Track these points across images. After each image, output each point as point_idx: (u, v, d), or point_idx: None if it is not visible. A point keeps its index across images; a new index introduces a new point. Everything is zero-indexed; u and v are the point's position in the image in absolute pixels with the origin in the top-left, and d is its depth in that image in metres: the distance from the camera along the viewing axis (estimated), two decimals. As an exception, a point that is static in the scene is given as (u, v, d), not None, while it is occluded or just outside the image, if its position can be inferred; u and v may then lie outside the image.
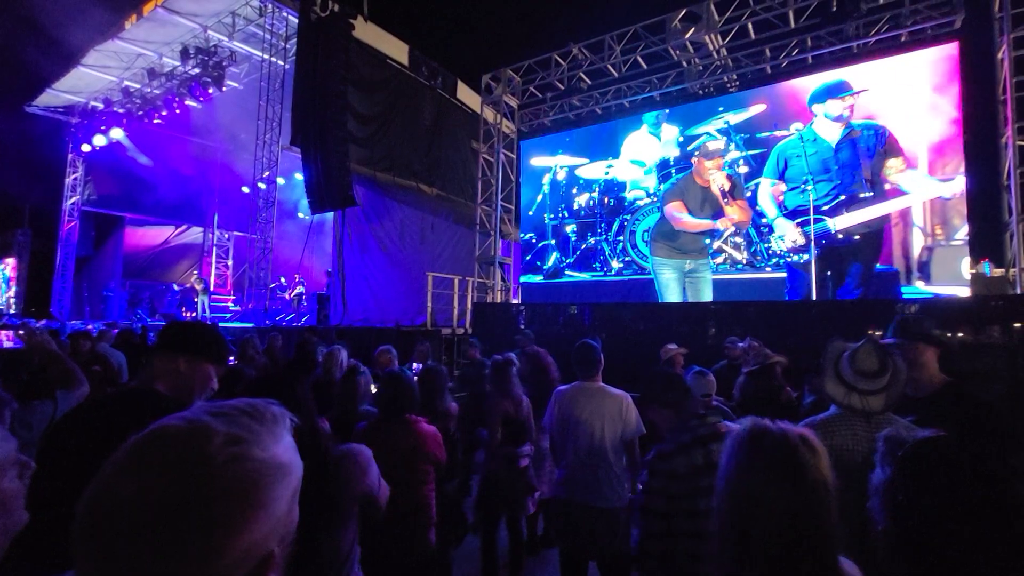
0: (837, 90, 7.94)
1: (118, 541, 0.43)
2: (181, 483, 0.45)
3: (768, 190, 8.39)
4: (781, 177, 8.29)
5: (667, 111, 10.12)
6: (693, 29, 8.27)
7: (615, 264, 10.55)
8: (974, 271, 7.00)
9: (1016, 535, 0.71)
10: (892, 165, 7.43)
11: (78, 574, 0.45)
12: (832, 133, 7.92)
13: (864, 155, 7.62)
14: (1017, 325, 4.64)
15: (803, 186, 7.98)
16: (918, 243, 7.40)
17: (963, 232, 7.08)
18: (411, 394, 2.26)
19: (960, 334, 4.92)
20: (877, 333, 2.00)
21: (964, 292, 6.75)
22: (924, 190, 7.31)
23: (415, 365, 4.49)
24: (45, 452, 1.25)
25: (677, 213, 8.40)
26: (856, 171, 7.63)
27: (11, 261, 15.38)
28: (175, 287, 15.03)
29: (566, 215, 11.42)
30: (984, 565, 0.71)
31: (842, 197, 7.73)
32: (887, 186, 7.50)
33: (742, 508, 0.91)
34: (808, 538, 0.87)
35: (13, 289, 15.26)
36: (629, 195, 10.53)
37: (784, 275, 8.28)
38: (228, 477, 0.47)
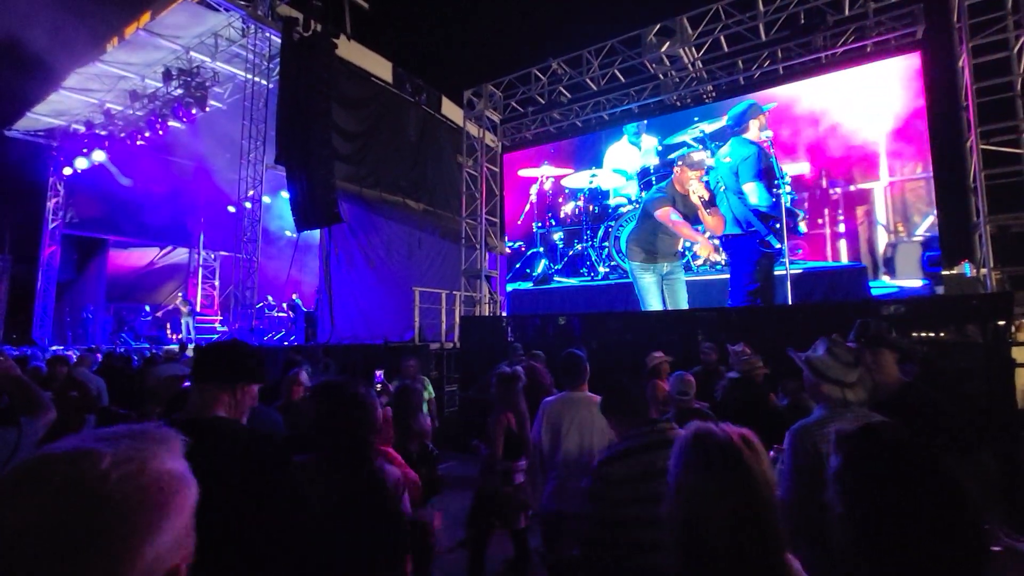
0: (759, 107, 8.60)
1: None
2: (73, 508, 0.45)
3: (764, 189, 8.55)
4: (762, 177, 8.55)
5: (646, 122, 10.41)
6: (668, 43, 8.49)
7: (602, 269, 10.76)
8: (949, 272, 7.19)
9: (946, 513, 0.75)
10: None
11: None
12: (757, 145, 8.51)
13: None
14: (991, 323, 4.76)
15: (775, 189, 8.32)
16: (882, 240, 7.74)
17: (923, 228, 7.48)
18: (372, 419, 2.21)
19: (940, 333, 5.04)
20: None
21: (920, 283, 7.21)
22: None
23: (377, 374, 4.45)
24: None
25: (674, 217, 8.67)
26: (782, 179, 8.19)
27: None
28: (146, 308, 14.86)
29: (553, 223, 11.61)
30: (927, 544, 0.74)
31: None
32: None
33: (690, 508, 0.94)
34: (754, 535, 0.89)
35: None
36: (612, 202, 10.79)
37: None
38: (123, 494, 0.47)
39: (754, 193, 8.36)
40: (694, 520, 0.92)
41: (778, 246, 8.21)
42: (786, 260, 7.63)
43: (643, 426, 1.74)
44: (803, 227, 8.42)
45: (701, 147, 9.42)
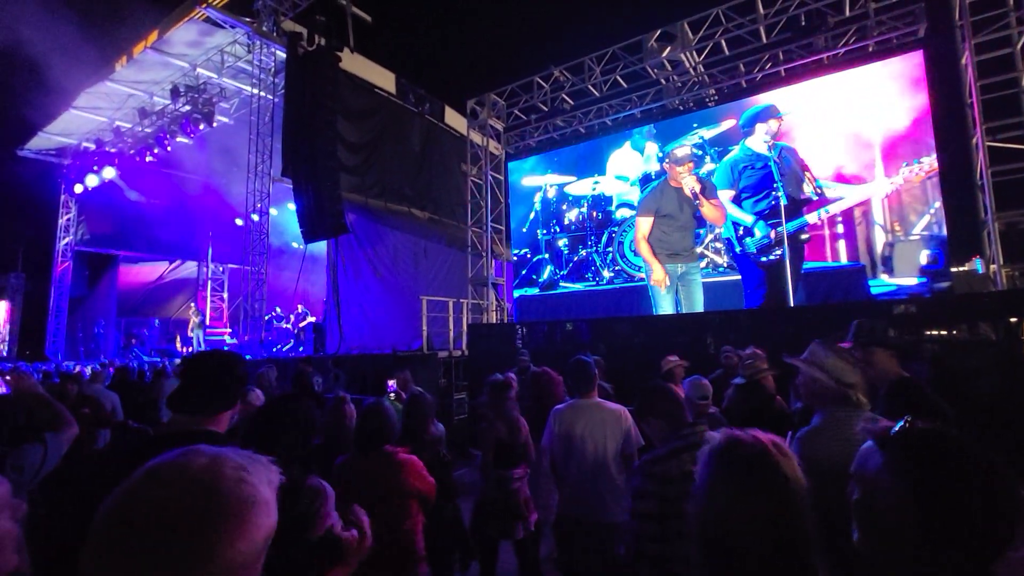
0: (771, 112, 8.74)
1: (134, 538, 0.52)
2: (200, 492, 0.56)
3: (728, 200, 8.95)
4: (734, 187, 8.93)
5: (651, 130, 10.49)
6: (669, 48, 8.54)
7: (606, 274, 10.84)
8: (959, 269, 7.14)
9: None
10: (807, 178, 8.32)
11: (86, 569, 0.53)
12: (765, 149, 8.66)
13: (797, 168, 8.39)
14: (1004, 321, 4.71)
15: (772, 192, 8.55)
16: (880, 239, 7.88)
17: (919, 227, 7.59)
18: (388, 425, 2.25)
19: (952, 331, 5.00)
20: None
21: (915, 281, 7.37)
22: (852, 194, 8.14)
23: (389, 383, 4.47)
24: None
25: (642, 232, 8.88)
26: (796, 180, 8.28)
27: (4, 305, 15.34)
28: (156, 322, 15.03)
29: (558, 230, 11.68)
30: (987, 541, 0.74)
31: (785, 203, 8.37)
32: (814, 195, 8.31)
33: (719, 519, 0.92)
34: (788, 545, 0.88)
35: (5, 330, 15.19)
36: (616, 208, 10.85)
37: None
38: (233, 493, 0.58)
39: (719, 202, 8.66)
40: (724, 532, 0.91)
41: (751, 251, 8.54)
42: (787, 262, 7.69)
43: (684, 428, 1.83)
44: (805, 235, 8.49)
45: (692, 148, 9.55)
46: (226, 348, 13.16)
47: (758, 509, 0.89)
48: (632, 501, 1.71)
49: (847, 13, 7.67)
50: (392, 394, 4.26)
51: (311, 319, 12.65)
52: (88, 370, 8.36)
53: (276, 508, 0.64)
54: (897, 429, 0.85)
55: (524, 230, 12.22)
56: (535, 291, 11.87)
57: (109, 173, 13.31)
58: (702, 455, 1.01)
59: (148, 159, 12.74)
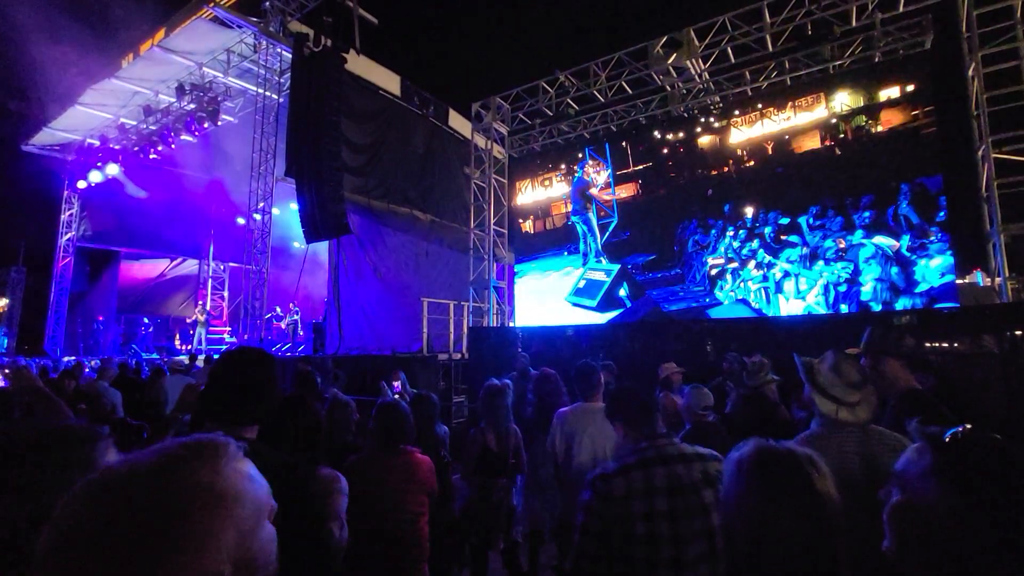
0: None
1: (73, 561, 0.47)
2: (117, 507, 0.50)
3: None
4: None
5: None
6: (675, 55, 8.53)
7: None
8: (962, 281, 7.11)
9: None
10: None
11: None
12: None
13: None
14: (1008, 334, 4.69)
15: None
16: None
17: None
18: (407, 425, 2.28)
19: (955, 344, 4.97)
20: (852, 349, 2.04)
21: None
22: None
23: (395, 385, 4.46)
24: None
25: None
26: None
27: (4, 299, 15.33)
28: (144, 319, 15.04)
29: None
30: None
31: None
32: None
33: (752, 532, 0.89)
34: (824, 559, 0.86)
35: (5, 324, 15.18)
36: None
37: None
38: (156, 500, 0.50)
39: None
40: (757, 546, 0.88)
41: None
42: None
43: (643, 441, 1.71)
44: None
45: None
46: (225, 347, 13.14)
47: (790, 522, 0.86)
48: (579, 514, 1.65)
49: (853, 23, 7.66)
50: (396, 396, 4.24)
51: (295, 317, 12.69)
52: (90, 366, 8.32)
53: (243, 486, 0.56)
54: (953, 432, 0.82)
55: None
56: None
57: (112, 169, 13.30)
58: (729, 463, 0.98)
59: (152, 156, 12.75)
